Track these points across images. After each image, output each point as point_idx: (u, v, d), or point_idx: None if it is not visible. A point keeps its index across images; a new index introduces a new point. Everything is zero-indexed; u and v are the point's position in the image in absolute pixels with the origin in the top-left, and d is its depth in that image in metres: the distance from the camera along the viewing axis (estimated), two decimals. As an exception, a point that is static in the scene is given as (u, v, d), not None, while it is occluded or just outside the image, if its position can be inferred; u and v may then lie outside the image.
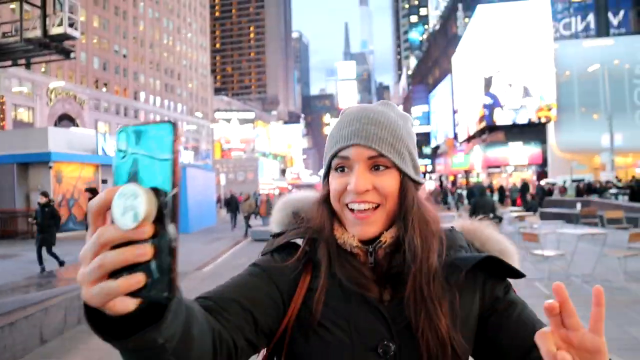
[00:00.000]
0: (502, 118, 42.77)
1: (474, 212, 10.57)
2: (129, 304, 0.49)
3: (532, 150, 42.74)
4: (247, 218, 18.28)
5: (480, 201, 10.52)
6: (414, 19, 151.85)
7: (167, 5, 77.10)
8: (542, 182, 33.62)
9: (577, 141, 38.95)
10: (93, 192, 11.57)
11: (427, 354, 0.84)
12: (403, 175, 0.94)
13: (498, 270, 0.95)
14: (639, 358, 4.45)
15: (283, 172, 78.84)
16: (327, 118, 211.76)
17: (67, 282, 7.05)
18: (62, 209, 17.93)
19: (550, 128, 41.06)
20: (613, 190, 23.83)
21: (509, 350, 0.89)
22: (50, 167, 17.33)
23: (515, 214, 14.79)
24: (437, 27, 79.07)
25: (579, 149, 38.58)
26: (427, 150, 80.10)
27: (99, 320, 0.54)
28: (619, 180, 27.36)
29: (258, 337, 0.85)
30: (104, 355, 5.03)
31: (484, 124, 44.21)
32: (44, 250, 9.70)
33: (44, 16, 19.32)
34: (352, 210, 0.92)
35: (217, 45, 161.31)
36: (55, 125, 44.79)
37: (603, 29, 45.57)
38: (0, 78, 41.76)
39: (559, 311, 0.63)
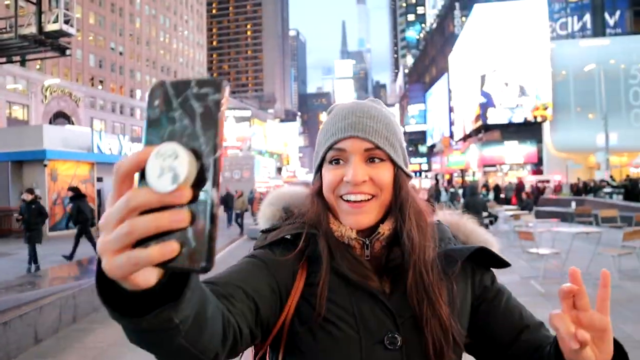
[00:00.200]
0: (495, 117, 42.85)
1: (465, 211, 10.57)
2: (151, 278, 0.46)
3: (527, 149, 42.86)
4: (239, 215, 18.20)
5: (471, 201, 10.65)
6: (411, 17, 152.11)
7: (164, 2, 76.92)
8: (532, 180, 33.69)
9: (573, 140, 39.06)
10: (75, 191, 11.50)
11: (431, 342, 0.87)
12: (397, 168, 0.97)
13: (485, 261, 1.00)
14: (634, 356, 4.47)
15: (279, 170, 78.78)
16: (323, 116, 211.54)
17: (62, 281, 7.03)
18: (57, 207, 17.87)
19: (546, 127, 41.16)
20: (607, 190, 23.93)
21: (499, 336, 0.97)
22: (45, 165, 17.25)
23: (511, 213, 14.83)
24: (434, 25, 79.18)
25: (574, 148, 38.69)
26: (423, 148, 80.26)
27: (110, 296, 0.50)
28: (614, 180, 27.46)
29: (256, 327, 0.84)
30: (99, 353, 5.03)
31: (480, 122, 44.31)
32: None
33: (39, 13, 19.24)
34: (347, 201, 0.94)
35: (214, 43, 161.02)
36: (50, 123, 44.57)
37: (599, 29, 45.71)
38: (-5, 75, 41.59)
39: (573, 294, 0.71)
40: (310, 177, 1.08)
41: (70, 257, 10.74)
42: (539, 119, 41.37)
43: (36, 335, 5.23)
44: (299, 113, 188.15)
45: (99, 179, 20.55)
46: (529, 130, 42.02)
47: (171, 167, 0.41)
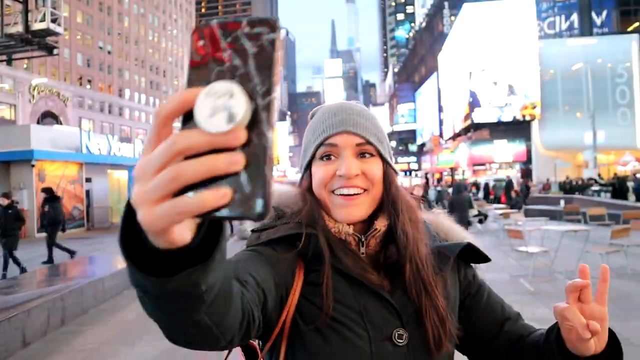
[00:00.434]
0: (481, 116, 43.06)
1: (451, 210, 10.72)
2: (186, 234, 0.43)
3: (516, 148, 43.15)
4: None
5: (457, 199, 10.86)
6: (400, 16, 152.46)
7: (153, 1, 76.43)
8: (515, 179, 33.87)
9: (561, 139, 39.38)
10: (48, 192, 11.35)
11: (431, 332, 0.90)
12: (386, 163, 1.00)
13: (468, 257, 1.05)
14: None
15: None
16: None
17: (50, 283, 6.97)
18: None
19: (535, 126, 41.46)
20: (595, 188, 24.15)
21: (483, 329, 1.03)
22: (32, 166, 17.09)
23: (500, 211, 14.92)
24: (424, 25, 79.40)
25: (562, 146, 39.00)
26: (413, 147, 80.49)
27: (134, 256, 0.47)
28: (601, 178, 27.72)
29: (262, 320, 0.81)
30: (88, 356, 4.99)
31: (469, 121, 44.51)
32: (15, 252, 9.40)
33: (26, 11, 19.06)
34: (340, 195, 0.96)
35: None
36: (38, 122, 44.15)
37: (586, 28, 46.11)
38: (-18, 74, 41.13)
39: (581, 288, 0.80)
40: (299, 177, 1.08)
41: (49, 261, 10.62)
42: (527, 118, 41.65)
43: (24, 339, 5.17)
44: (289, 112, 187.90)
45: (88, 179, 20.41)
46: (517, 129, 42.31)
47: (226, 106, 0.39)
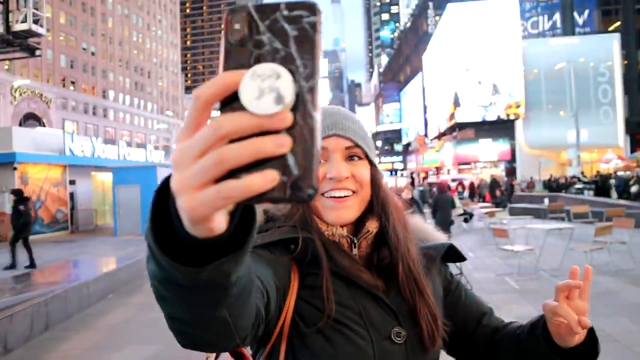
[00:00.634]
0: (462, 116, 43.32)
1: (435, 208, 10.82)
2: (222, 222, 0.42)
3: (501, 146, 43.46)
4: None
5: (440, 198, 10.96)
6: (385, 16, 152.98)
7: (137, 1, 75.88)
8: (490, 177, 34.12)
9: (545, 138, 39.73)
10: (18, 194, 11.20)
11: (425, 329, 0.94)
12: (373, 166, 1.02)
13: (448, 256, 1.10)
14: (606, 350, 4.56)
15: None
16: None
17: (34, 288, 6.87)
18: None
19: (519, 125, 41.79)
20: (579, 185, 24.41)
21: (464, 325, 1.08)
22: (15, 169, 16.86)
23: (485, 210, 15.02)
24: (408, 25, 79.70)
25: (546, 145, 39.36)
26: (398, 147, 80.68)
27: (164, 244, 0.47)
28: (585, 176, 28.03)
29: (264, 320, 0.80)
30: (72, 361, 4.93)
31: (454, 121, 44.76)
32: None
33: (7, 12, 18.80)
34: (330, 197, 0.97)
35: (188, 43, 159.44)
36: (20, 125, 43.55)
37: (569, 28, 46.54)
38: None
39: (571, 288, 0.89)
40: None
41: (31, 265, 10.49)
42: (512, 117, 41.96)
43: (6, 345, 5.09)
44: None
45: (72, 182, 20.19)
46: (502, 128, 42.60)
47: (273, 88, 0.38)
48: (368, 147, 1.02)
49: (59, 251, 11.46)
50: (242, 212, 0.45)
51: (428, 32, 59.02)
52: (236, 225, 0.45)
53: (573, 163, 31.58)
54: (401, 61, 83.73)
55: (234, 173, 0.38)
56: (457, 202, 16.10)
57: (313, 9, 0.41)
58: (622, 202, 18.05)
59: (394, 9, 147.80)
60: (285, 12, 0.41)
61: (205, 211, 0.38)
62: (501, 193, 25.45)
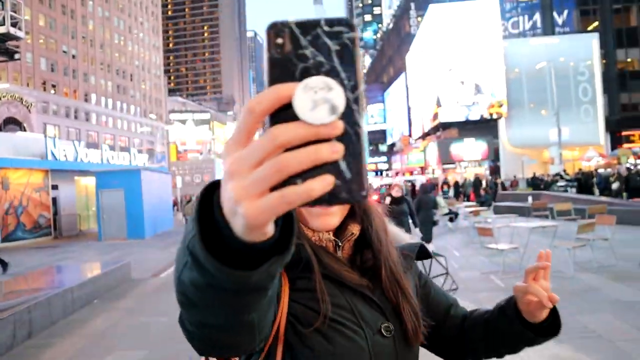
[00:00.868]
0: (447, 115, 43.61)
1: (418, 208, 10.93)
2: (271, 227, 0.45)
3: (485, 146, 43.81)
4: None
5: (424, 198, 11.11)
6: (367, 17, 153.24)
7: (117, 4, 75.12)
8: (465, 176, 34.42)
9: (527, 136, 40.17)
10: None
11: (410, 325, 0.99)
12: None
13: (418, 255, 1.19)
14: (590, 346, 4.62)
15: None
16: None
17: (16, 295, 6.76)
18: (9, 217, 17.23)
19: (502, 124, 42.20)
20: (561, 183, 24.71)
21: (435, 317, 1.14)
22: (-5, 174, 16.61)
23: (470, 209, 15.13)
24: (391, 26, 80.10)
25: (529, 144, 39.81)
26: (383, 148, 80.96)
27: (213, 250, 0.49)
28: (567, 174, 28.39)
29: None
30: (57, 369, 4.86)
31: (438, 121, 45.05)
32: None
33: (-15, 16, 18.50)
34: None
35: (171, 45, 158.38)
36: (0, 130, 42.87)
37: (549, 28, 47.16)
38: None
39: (538, 270, 1.00)
40: None
41: (4, 270, 10.36)
42: (494, 116, 42.37)
43: (-11, 353, 5.01)
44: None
45: (54, 187, 19.94)
46: (485, 127, 42.98)
47: (326, 99, 0.41)
48: None
49: (42, 257, 11.30)
50: (284, 215, 0.46)
51: (410, 33, 59.39)
52: (281, 228, 0.48)
53: (555, 161, 31.98)
54: (384, 62, 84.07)
55: (288, 180, 0.41)
56: (442, 201, 16.21)
57: (351, 26, 0.44)
58: (604, 199, 18.32)
59: (376, 10, 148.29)
60: (326, 28, 0.43)
61: (268, 217, 0.41)
62: (485, 192, 25.67)
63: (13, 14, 19.10)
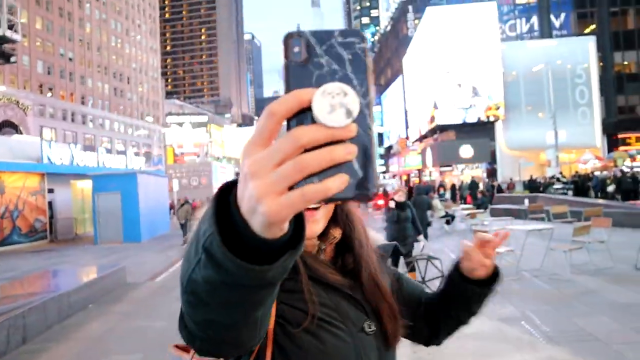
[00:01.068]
0: (444, 118, 43.64)
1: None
2: (286, 225, 0.48)
3: (482, 148, 43.81)
4: (183, 225, 16.80)
5: (418, 199, 11.18)
6: (365, 20, 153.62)
7: (115, 6, 75.10)
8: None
9: (524, 139, 40.23)
10: None
11: (389, 324, 1.03)
12: None
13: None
14: (587, 348, 4.61)
15: (237, 175, 78.34)
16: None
17: (11, 300, 6.72)
18: (5, 221, 17.17)
19: (499, 126, 42.26)
20: (558, 186, 24.74)
21: (410, 304, 1.19)
22: (-9, 177, 16.55)
23: (467, 212, 15.14)
24: (388, 28, 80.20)
25: (526, 146, 39.86)
26: (380, 150, 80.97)
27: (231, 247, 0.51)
28: (563, 176, 28.44)
29: None
30: (52, 374, 4.83)
31: (435, 123, 45.08)
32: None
33: (-19, 19, 18.47)
34: None
35: (168, 48, 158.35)
36: (-3, 132, 42.78)
37: (546, 31, 47.30)
38: None
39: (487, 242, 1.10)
40: None
41: None
42: (491, 119, 42.43)
43: (-17, 358, 4.98)
44: (256, 117, 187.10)
45: (50, 190, 19.88)
46: (482, 130, 43.03)
47: (342, 104, 0.44)
48: None
49: (38, 261, 11.25)
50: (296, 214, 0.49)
51: (408, 36, 59.43)
52: (294, 224, 0.51)
53: (552, 164, 32.03)
54: (382, 64, 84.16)
55: (306, 178, 0.44)
56: (439, 204, 16.22)
57: (362, 37, 0.47)
58: (600, 201, 18.35)
59: (374, 13, 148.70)
60: (340, 39, 0.47)
61: (288, 213, 0.44)
62: (482, 194, 25.69)
63: (10, 16, 19.09)
